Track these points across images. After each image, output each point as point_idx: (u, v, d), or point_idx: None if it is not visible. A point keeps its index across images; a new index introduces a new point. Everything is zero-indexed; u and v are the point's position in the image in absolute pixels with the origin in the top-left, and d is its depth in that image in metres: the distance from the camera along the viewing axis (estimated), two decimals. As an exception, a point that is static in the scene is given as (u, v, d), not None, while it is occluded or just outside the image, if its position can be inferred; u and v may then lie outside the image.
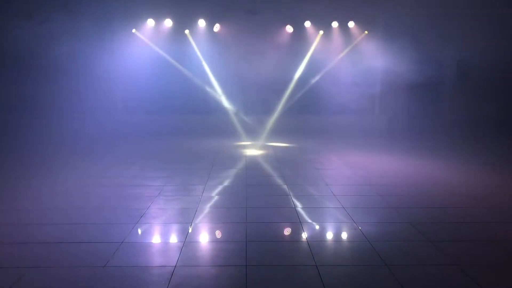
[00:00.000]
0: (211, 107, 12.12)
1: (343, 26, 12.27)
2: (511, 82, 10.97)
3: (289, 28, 12.22)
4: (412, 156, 8.49)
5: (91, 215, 4.71)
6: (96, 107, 11.17)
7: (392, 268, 3.41)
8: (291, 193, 5.68)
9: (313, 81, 12.25)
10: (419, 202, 5.32)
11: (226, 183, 6.29)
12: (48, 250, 3.71)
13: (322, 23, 12.22)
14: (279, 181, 6.43)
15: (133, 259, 3.57)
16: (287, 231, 4.32)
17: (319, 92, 12.19)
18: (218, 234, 4.24)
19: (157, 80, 11.90)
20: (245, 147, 9.83)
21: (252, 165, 7.70)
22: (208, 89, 12.09)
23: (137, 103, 11.82)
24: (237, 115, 12.02)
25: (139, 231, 4.27)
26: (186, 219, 4.61)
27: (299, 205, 5.13)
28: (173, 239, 4.11)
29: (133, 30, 11.72)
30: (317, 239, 4.12)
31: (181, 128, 11.67)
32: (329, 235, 4.28)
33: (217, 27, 12.00)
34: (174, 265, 3.45)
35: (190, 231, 4.26)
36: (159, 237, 4.19)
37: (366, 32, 12.16)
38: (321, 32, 12.29)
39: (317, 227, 4.45)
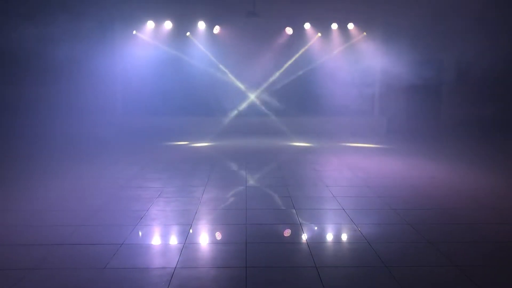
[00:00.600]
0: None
1: (343, 28, 12.30)
2: (510, 83, 10.99)
3: (288, 30, 12.25)
4: (411, 158, 8.50)
5: (91, 217, 4.71)
6: (97, 108, 11.19)
7: (392, 270, 3.41)
8: (291, 195, 5.68)
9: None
10: (419, 203, 5.32)
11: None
12: (48, 252, 3.71)
13: (322, 25, 12.25)
14: (279, 182, 6.44)
15: (133, 261, 3.57)
16: (287, 233, 4.32)
17: (318, 93, 12.23)
18: (218, 235, 4.25)
19: (158, 81, 11.92)
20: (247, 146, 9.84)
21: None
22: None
23: (144, 104, 11.82)
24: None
25: (139, 232, 4.27)
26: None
27: (299, 207, 5.13)
28: (173, 240, 4.12)
29: (134, 32, 11.74)
30: (317, 240, 4.13)
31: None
32: (329, 237, 4.29)
33: (217, 29, 12.02)
34: (174, 266, 3.45)
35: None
36: (159, 239, 4.19)
37: (364, 33, 12.19)
38: (319, 34, 12.32)
39: (316, 228, 4.45)
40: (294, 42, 12.36)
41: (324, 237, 4.28)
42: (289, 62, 12.32)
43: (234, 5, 11.32)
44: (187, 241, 4.03)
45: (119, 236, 4.11)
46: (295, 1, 11.09)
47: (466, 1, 9.55)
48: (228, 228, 4.43)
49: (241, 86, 12.36)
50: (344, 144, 10.43)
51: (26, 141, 9.78)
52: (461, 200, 5.48)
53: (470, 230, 4.37)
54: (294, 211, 4.97)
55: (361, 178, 6.77)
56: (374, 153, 9.15)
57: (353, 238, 4.18)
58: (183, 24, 11.94)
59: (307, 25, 12.24)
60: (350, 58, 12.24)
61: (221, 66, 12.11)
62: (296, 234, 4.26)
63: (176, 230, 4.37)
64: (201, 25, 11.96)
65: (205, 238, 4.19)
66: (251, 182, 6.48)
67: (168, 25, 11.84)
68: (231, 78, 12.23)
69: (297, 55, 12.33)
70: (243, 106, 12.34)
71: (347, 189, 6.12)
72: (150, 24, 11.85)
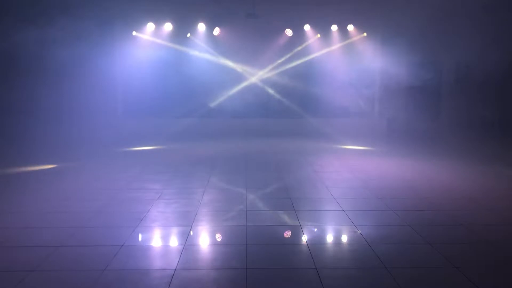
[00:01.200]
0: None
1: (343, 29, 12.32)
2: (509, 85, 10.99)
3: (288, 32, 12.26)
4: (411, 159, 8.51)
5: (91, 219, 4.72)
6: (98, 110, 11.20)
7: (391, 271, 3.42)
8: (291, 196, 5.69)
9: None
10: (419, 204, 5.33)
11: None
12: (48, 254, 3.71)
13: (322, 26, 12.27)
14: (279, 184, 6.45)
15: (133, 263, 3.57)
16: (287, 234, 4.32)
17: (317, 95, 12.25)
18: (218, 237, 4.25)
19: (160, 82, 11.94)
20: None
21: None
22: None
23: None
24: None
25: (139, 234, 4.28)
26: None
27: (299, 208, 5.14)
28: (173, 242, 4.12)
29: (133, 33, 11.76)
30: (317, 242, 4.13)
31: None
32: (329, 238, 4.29)
33: (217, 31, 12.04)
34: (175, 268, 3.46)
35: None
36: (159, 240, 4.19)
37: (365, 34, 12.21)
38: (318, 35, 12.35)
39: (316, 230, 4.46)
40: (294, 44, 12.38)
41: (324, 238, 4.29)
42: (290, 63, 12.33)
43: (234, 6, 11.34)
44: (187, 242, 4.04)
45: (119, 238, 4.10)
46: (294, 2, 11.11)
47: (466, 2, 9.56)
48: (229, 229, 4.44)
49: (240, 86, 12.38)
50: (342, 146, 10.45)
51: (26, 144, 9.78)
52: (461, 201, 5.48)
53: (470, 231, 4.38)
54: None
55: (360, 179, 6.78)
56: (374, 154, 9.15)
57: (353, 239, 4.19)
58: (184, 25, 11.96)
59: (307, 27, 12.25)
60: (350, 59, 12.26)
61: (221, 65, 12.13)
62: (297, 235, 4.27)
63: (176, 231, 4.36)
64: (201, 27, 11.97)
65: (205, 240, 4.20)
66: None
67: (168, 27, 11.86)
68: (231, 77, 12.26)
69: (295, 56, 12.35)
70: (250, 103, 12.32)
71: (347, 190, 6.13)
72: (150, 26, 11.87)
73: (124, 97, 12.04)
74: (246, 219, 4.71)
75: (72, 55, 10.08)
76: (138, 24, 11.81)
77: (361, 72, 12.14)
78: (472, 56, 10.39)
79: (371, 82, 12.36)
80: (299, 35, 12.36)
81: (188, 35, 12.04)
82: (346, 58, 12.32)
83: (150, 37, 11.92)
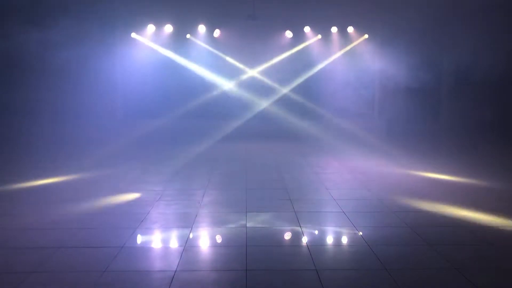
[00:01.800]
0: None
1: (343, 31, 12.33)
2: (509, 87, 10.99)
3: (288, 33, 12.27)
4: (411, 160, 8.50)
5: (91, 220, 4.72)
6: (99, 111, 11.21)
7: (391, 272, 3.42)
8: (291, 197, 5.69)
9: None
10: (419, 206, 5.33)
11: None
12: (48, 255, 3.72)
13: (322, 28, 12.28)
14: (279, 185, 6.45)
15: (134, 264, 3.57)
16: (287, 236, 4.32)
17: (316, 95, 12.26)
18: (219, 238, 4.25)
19: (161, 83, 11.95)
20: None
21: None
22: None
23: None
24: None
25: (139, 235, 4.28)
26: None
27: (299, 209, 5.14)
28: (174, 243, 4.12)
29: (132, 34, 11.78)
30: (317, 243, 4.14)
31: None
32: (329, 240, 4.30)
33: (217, 33, 12.05)
34: (175, 269, 3.46)
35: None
36: (160, 242, 4.20)
37: (366, 35, 12.23)
38: (319, 36, 12.36)
39: (316, 231, 4.46)
40: (294, 45, 12.40)
41: (324, 240, 4.29)
42: (289, 64, 12.34)
43: (234, 8, 11.34)
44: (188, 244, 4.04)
45: (120, 239, 4.11)
46: (294, 4, 11.11)
47: (465, 4, 9.57)
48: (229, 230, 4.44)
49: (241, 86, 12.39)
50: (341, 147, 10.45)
51: (27, 144, 9.79)
52: (460, 202, 5.48)
53: (470, 232, 4.38)
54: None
55: (360, 180, 6.78)
56: (374, 155, 9.15)
57: (353, 240, 4.19)
58: (184, 27, 11.97)
59: (307, 29, 12.26)
60: (350, 60, 12.27)
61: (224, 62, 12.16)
62: (296, 237, 4.28)
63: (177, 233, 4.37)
64: (201, 28, 11.98)
65: (205, 241, 4.20)
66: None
67: (168, 28, 11.87)
68: (231, 82, 12.27)
69: (294, 56, 12.37)
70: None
71: (348, 191, 6.13)
72: (150, 28, 11.88)
73: (124, 97, 12.02)
74: (246, 219, 4.72)
75: (73, 56, 10.10)
76: (139, 26, 11.82)
77: (360, 73, 12.15)
78: (473, 57, 10.40)
79: (370, 83, 12.36)
80: (299, 36, 12.38)
81: (188, 36, 12.05)
82: (346, 59, 12.33)
83: (150, 38, 11.93)
